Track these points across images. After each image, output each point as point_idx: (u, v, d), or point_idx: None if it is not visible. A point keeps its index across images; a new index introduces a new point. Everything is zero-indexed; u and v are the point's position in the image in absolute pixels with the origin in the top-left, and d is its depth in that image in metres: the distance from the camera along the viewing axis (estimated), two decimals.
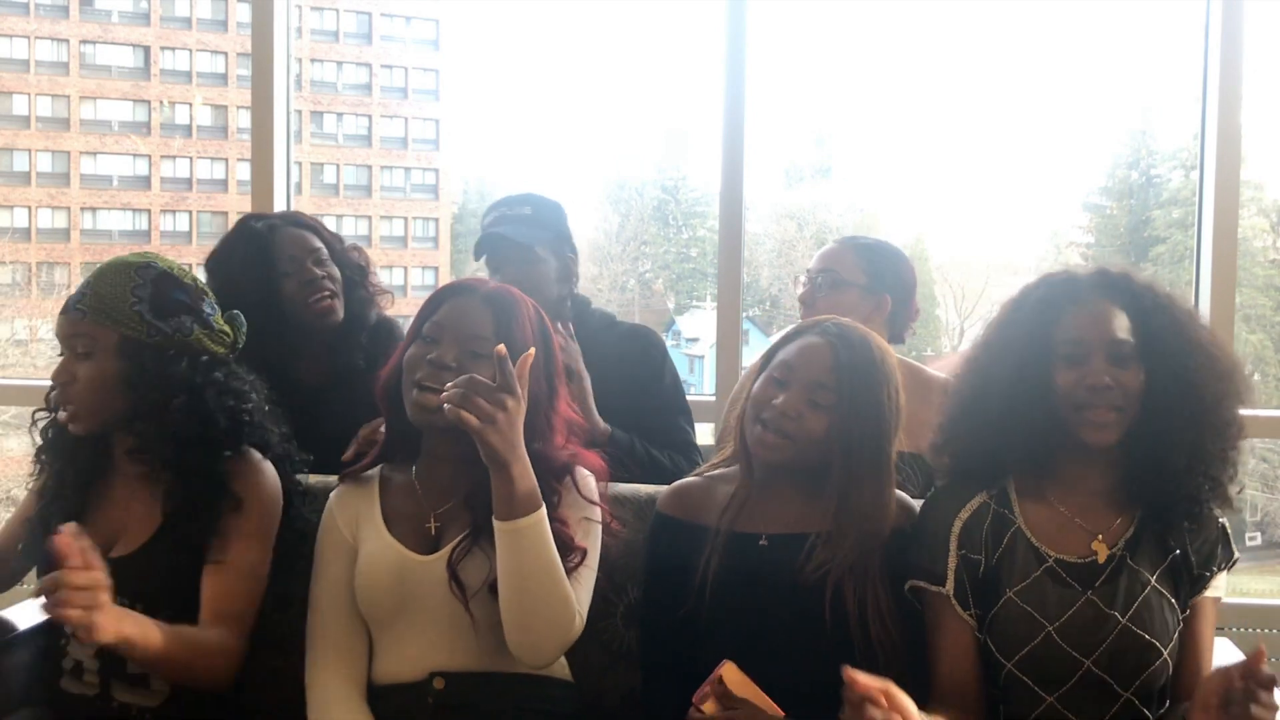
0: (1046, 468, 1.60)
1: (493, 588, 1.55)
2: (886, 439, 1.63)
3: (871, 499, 1.62)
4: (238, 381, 1.72)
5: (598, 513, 1.67)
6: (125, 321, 1.64)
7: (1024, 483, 1.62)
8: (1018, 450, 1.58)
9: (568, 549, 1.59)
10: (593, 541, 1.65)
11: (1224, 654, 1.71)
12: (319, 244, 2.25)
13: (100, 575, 1.35)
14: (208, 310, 1.71)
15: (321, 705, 1.60)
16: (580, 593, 1.59)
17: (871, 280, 2.30)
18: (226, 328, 1.74)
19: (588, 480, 1.68)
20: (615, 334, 2.30)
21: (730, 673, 1.52)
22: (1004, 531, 1.60)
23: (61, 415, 1.67)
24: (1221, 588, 1.61)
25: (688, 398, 2.37)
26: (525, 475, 1.50)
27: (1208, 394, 1.53)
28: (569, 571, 1.57)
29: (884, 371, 1.64)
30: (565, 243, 2.29)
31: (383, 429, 1.78)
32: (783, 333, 1.75)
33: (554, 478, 1.64)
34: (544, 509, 1.52)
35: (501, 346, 1.47)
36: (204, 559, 1.64)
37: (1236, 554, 1.61)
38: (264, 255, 2.19)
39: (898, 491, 1.70)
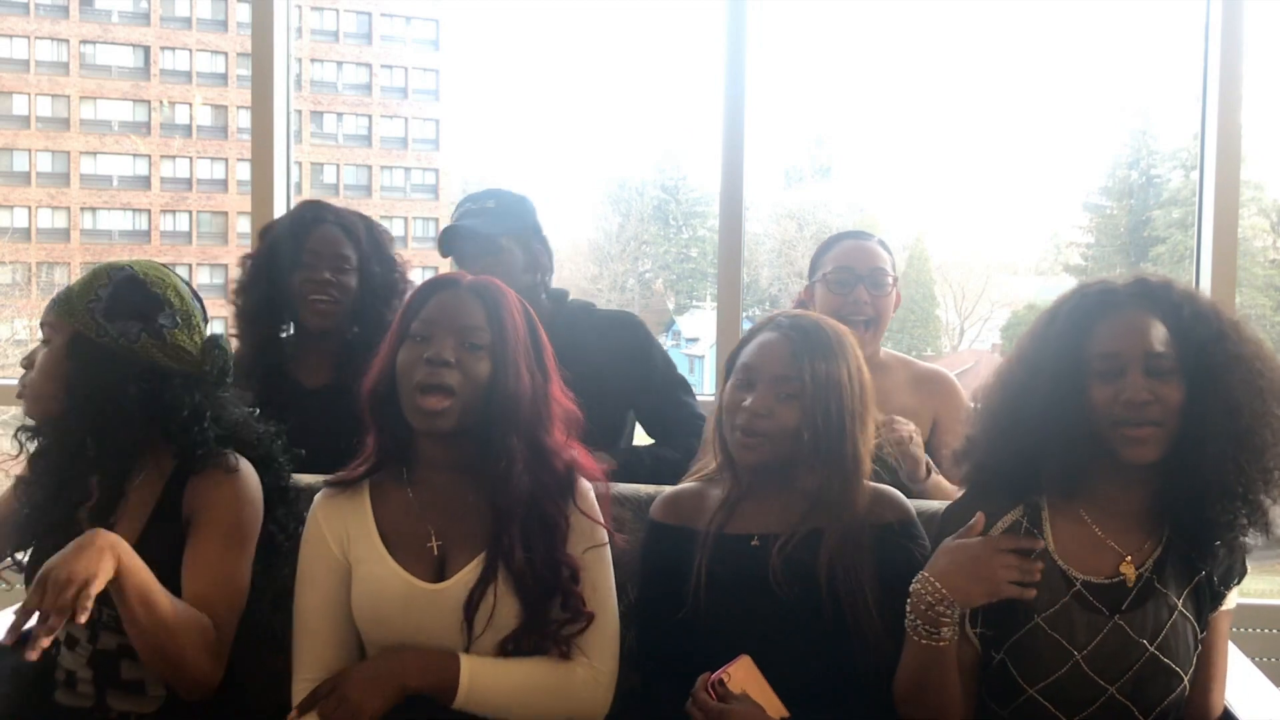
0: (1080, 486, 1.54)
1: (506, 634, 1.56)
2: (852, 417, 1.63)
3: (840, 485, 1.61)
4: (179, 397, 1.67)
5: (603, 533, 1.65)
6: (79, 317, 1.65)
7: (1056, 501, 1.56)
8: (1053, 469, 1.52)
9: (577, 615, 1.57)
10: (604, 572, 1.63)
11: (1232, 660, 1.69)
12: (348, 252, 2.25)
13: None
14: (163, 322, 1.67)
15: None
16: (602, 638, 1.59)
17: (895, 271, 2.28)
18: (188, 345, 1.69)
19: (589, 499, 1.65)
20: (594, 322, 2.27)
21: (743, 668, 1.52)
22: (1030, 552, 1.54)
23: (20, 395, 1.70)
24: (1233, 600, 1.59)
25: None
26: (420, 678, 1.51)
27: (1249, 411, 1.45)
28: (578, 635, 1.57)
29: (841, 351, 1.65)
30: (532, 233, 2.26)
31: None
32: (741, 338, 1.75)
33: (560, 495, 1.61)
34: (464, 662, 1.52)
35: None
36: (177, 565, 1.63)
37: (1247, 567, 1.58)
38: (295, 240, 2.23)
39: (887, 488, 1.71)
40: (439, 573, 1.58)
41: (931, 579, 1.48)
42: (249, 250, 2.38)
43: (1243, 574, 1.58)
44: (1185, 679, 1.52)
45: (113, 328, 1.64)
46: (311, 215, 2.26)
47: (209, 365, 1.70)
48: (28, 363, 1.71)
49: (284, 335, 2.30)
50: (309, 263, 2.21)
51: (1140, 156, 17.54)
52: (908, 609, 1.50)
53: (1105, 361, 1.47)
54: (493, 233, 2.20)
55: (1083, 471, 1.51)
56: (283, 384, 2.22)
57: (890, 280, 2.23)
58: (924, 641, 1.48)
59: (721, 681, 1.51)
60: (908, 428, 1.97)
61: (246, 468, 1.70)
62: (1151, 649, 1.50)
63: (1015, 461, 1.53)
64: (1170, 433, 1.46)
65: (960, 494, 1.66)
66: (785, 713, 1.52)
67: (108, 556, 1.45)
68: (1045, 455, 1.50)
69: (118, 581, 1.47)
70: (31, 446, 1.72)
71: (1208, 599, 1.55)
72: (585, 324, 2.21)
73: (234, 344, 2.11)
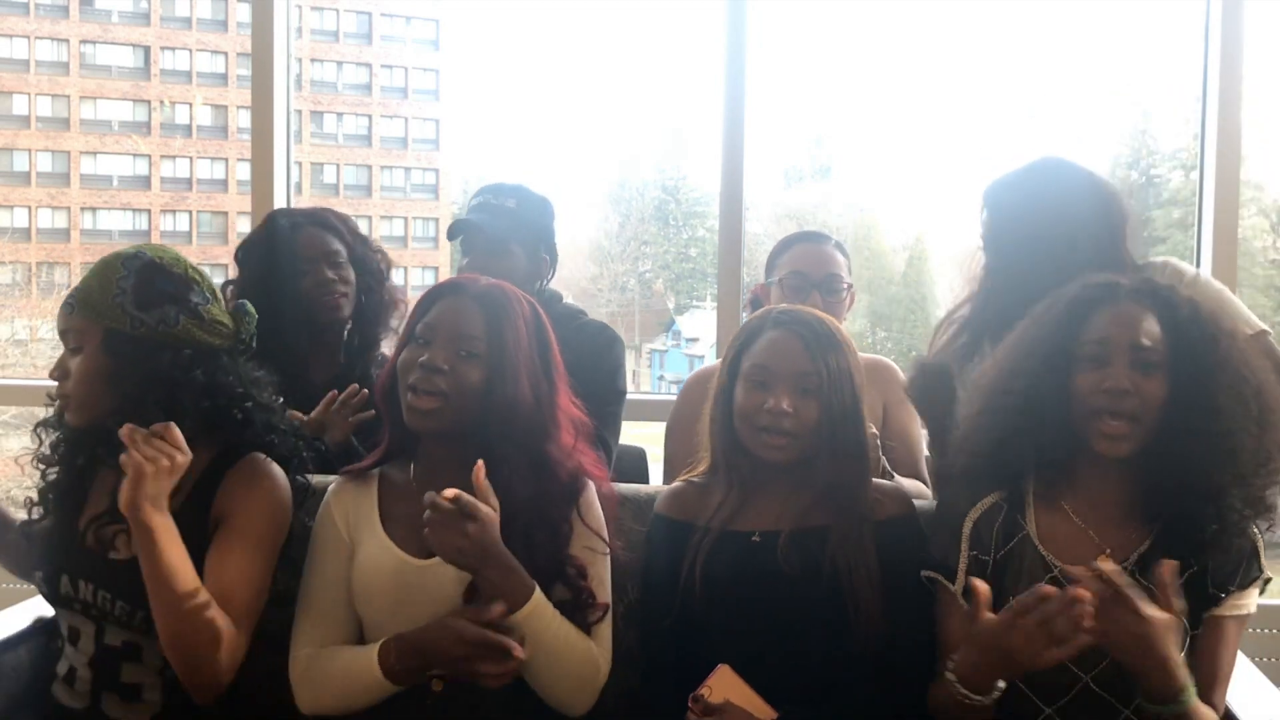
0: (1064, 474, 1.56)
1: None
2: (861, 406, 1.67)
3: (856, 476, 1.65)
4: (228, 377, 1.66)
5: (604, 539, 1.67)
6: (109, 314, 1.62)
7: (1041, 488, 1.59)
8: (1034, 452, 1.54)
9: (590, 606, 1.60)
10: (604, 575, 1.66)
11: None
12: (338, 246, 2.31)
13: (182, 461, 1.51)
14: (196, 300, 1.66)
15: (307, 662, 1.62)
16: (602, 639, 1.61)
17: (850, 275, 2.31)
18: (223, 318, 1.69)
19: (593, 506, 1.68)
20: (576, 327, 2.28)
21: (722, 677, 1.52)
22: (1013, 534, 1.58)
23: (63, 409, 1.67)
24: (1250, 605, 1.57)
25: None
26: (505, 575, 1.52)
27: (1228, 416, 1.46)
28: (592, 625, 1.59)
29: (845, 342, 1.69)
30: (543, 243, 2.30)
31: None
32: (735, 338, 1.74)
33: (564, 502, 1.64)
34: (538, 594, 1.54)
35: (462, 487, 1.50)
36: (201, 565, 1.61)
37: (1266, 573, 1.56)
38: (285, 253, 2.27)
39: (886, 481, 1.72)
40: (430, 551, 1.60)
41: (956, 682, 1.44)
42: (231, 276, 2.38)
43: (1250, 578, 1.55)
44: None
45: (149, 316, 1.62)
46: (287, 224, 2.32)
47: (243, 333, 1.70)
48: (61, 373, 1.66)
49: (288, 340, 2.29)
50: (307, 269, 2.27)
51: (1140, 156, 17.52)
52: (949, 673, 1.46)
53: (1095, 347, 1.51)
54: (503, 237, 2.22)
55: (1064, 459, 1.54)
56: (296, 386, 2.20)
57: (845, 286, 2.26)
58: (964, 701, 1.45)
59: (701, 696, 1.51)
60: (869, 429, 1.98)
61: (279, 471, 1.69)
62: None
63: (999, 445, 1.56)
64: (1146, 430, 1.48)
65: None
66: (773, 713, 1.52)
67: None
68: (1026, 437, 1.53)
69: (153, 536, 1.49)
70: (47, 445, 1.72)
71: (1200, 597, 1.54)
72: (567, 327, 2.22)
73: None
